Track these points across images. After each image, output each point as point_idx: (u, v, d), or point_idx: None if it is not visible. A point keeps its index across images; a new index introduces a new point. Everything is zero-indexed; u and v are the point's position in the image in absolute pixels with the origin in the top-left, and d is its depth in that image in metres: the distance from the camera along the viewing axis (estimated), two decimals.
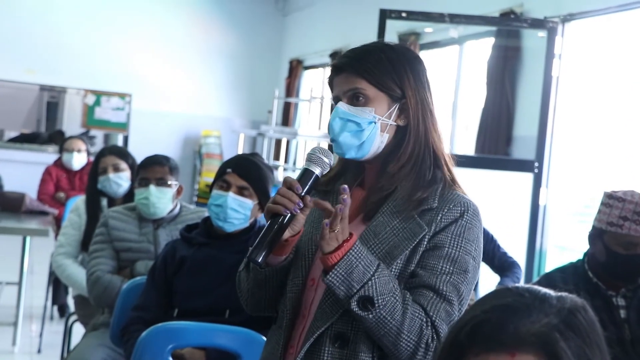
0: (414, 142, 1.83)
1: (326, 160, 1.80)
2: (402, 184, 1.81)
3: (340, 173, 1.92)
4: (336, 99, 1.86)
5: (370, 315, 1.67)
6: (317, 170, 1.79)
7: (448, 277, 1.73)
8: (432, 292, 1.72)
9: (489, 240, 4.22)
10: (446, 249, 1.75)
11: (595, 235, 3.02)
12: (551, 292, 1.05)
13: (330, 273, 1.69)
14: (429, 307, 1.70)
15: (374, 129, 1.82)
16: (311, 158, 1.80)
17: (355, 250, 1.69)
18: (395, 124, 1.84)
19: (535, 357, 0.98)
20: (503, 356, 0.98)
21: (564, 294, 1.05)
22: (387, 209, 1.80)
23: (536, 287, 1.06)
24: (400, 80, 1.83)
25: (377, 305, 1.67)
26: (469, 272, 1.75)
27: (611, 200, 2.98)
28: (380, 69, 1.81)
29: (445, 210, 1.77)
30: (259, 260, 1.74)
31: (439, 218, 1.76)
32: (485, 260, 4.19)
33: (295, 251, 1.88)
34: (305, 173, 1.79)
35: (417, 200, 1.78)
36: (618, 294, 3.00)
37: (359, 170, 1.92)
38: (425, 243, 1.76)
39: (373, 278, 1.68)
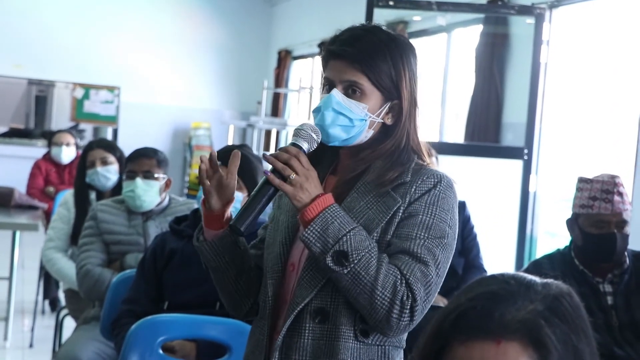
0: (397, 140, 1.85)
1: (315, 137, 1.81)
2: (374, 164, 1.83)
3: (315, 159, 1.89)
4: (328, 81, 1.85)
5: (345, 271, 1.69)
6: (305, 146, 1.79)
7: (422, 242, 1.74)
8: (407, 255, 1.73)
9: (472, 237, 4.21)
10: (420, 216, 1.76)
11: (572, 220, 3.06)
12: (536, 279, 1.04)
13: (306, 230, 1.71)
14: (403, 266, 1.71)
15: (363, 126, 1.83)
16: (300, 133, 1.80)
17: (332, 210, 1.72)
18: (382, 121, 1.85)
19: (521, 344, 0.98)
20: (488, 344, 0.98)
21: (549, 280, 1.05)
22: (360, 187, 1.82)
23: (521, 274, 1.06)
24: (399, 81, 1.83)
25: (351, 259, 1.68)
26: (445, 238, 1.76)
27: (581, 183, 3.03)
28: (381, 67, 1.81)
29: (419, 182, 1.79)
30: (242, 229, 1.75)
31: (412, 190, 1.78)
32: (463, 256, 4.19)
33: (272, 242, 1.90)
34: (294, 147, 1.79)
35: (391, 179, 1.79)
36: (605, 280, 3.01)
37: (333, 156, 1.93)
38: (400, 214, 1.77)
39: (348, 234, 1.70)
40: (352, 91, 1.81)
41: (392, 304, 1.68)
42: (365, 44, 1.81)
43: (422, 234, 1.74)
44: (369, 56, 1.80)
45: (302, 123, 1.84)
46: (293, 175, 1.73)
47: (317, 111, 1.83)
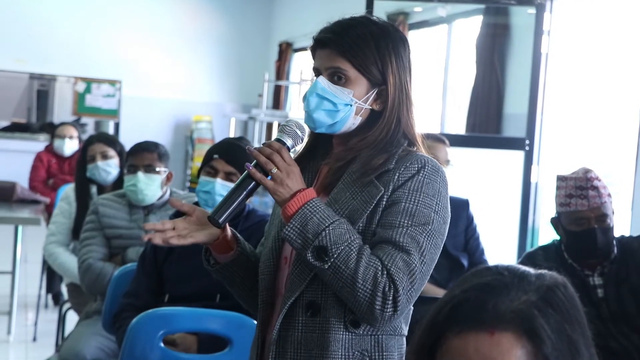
0: (384, 127, 1.84)
1: (299, 134, 1.83)
2: (361, 153, 1.83)
3: (310, 150, 1.92)
4: (316, 71, 1.86)
5: (326, 266, 1.69)
6: (289, 142, 1.81)
7: (405, 230, 1.72)
8: (389, 244, 1.72)
9: (475, 237, 4.21)
10: (403, 204, 1.75)
11: (556, 220, 3.05)
12: (530, 270, 1.05)
13: (286, 227, 1.72)
14: (384, 257, 1.70)
15: (349, 111, 1.83)
16: (285, 130, 1.82)
17: (311, 205, 1.73)
18: (370, 107, 1.85)
19: (514, 334, 0.98)
20: (482, 334, 0.98)
21: (543, 271, 1.05)
22: (347, 177, 1.82)
23: (515, 265, 1.06)
24: (384, 66, 1.83)
25: (330, 254, 1.69)
26: (430, 224, 1.74)
27: (558, 181, 3.03)
28: (365, 53, 1.81)
29: (402, 169, 1.78)
30: (220, 221, 1.76)
31: (396, 177, 1.78)
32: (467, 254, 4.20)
33: (266, 236, 1.93)
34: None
35: (375, 166, 1.79)
36: (594, 273, 3.00)
37: (328, 147, 1.93)
38: (384, 202, 1.77)
39: (327, 229, 1.70)
40: (337, 78, 1.82)
41: (374, 296, 1.68)
42: (349, 32, 1.83)
43: (405, 221, 1.73)
44: (352, 42, 1.81)
45: (287, 119, 1.86)
46: (274, 170, 1.74)
47: (304, 98, 1.85)
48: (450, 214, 1.83)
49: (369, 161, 1.80)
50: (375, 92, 1.84)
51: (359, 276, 1.68)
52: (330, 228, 1.70)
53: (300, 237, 1.71)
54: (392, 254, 1.70)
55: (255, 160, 1.76)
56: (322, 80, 1.83)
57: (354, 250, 1.70)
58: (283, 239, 1.77)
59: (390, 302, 1.69)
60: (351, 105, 1.82)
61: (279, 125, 9.00)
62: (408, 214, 1.74)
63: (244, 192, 1.77)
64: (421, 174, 1.78)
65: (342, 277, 1.69)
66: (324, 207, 1.74)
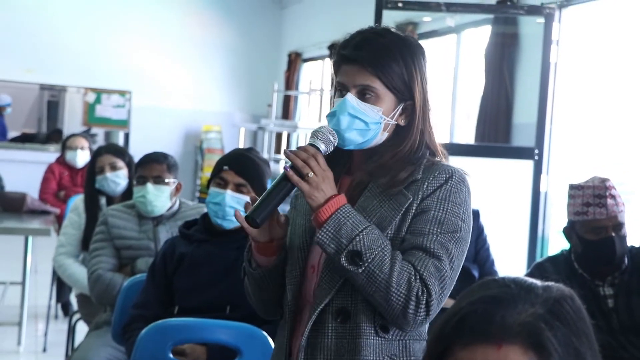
0: (411, 140, 1.86)
1: (332, 139, 1.83)
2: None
3: (329, 159, 1.91)
4: (343, 87, 1.86)
5: (360, 270, 1.72)
6: (322, 147, 1.82)
7: (435, 237, 1.76)
8: (420, 250, 1.75)
9: (486, 247, 4.20)
10: (432, 212, 1.79)
11: (569, 228, 3.04)
12: (537, 282, 1.05)
13: (319, 231, 1.75)
14: (417, 262, 1.74)
15: (378, 129, 1.85)
16: (318, 135, 1.83)
17: (344, 210, 1.75)
18: (396, 122, 1.87)
19: (522, 347, 0.98)
20: (490, 347, 0.98)
21: (550, 283, 1.05)
22: (373, 188, 1.85)
23: (522, 277, 1.06)
24: (412, 83, 1.85)
25: (365, 259, 1.71)
26: (458, 232, 1.79)
27: (572, 190, 3.02)
28: (394, 69, 1.83)
29: (431, 178, 1.82)
30: (258, 221, 1.77)
31: (424, 186, 1.81)
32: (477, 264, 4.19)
33: (290, 245, 1.92)
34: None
35: (402, 179, 1.82)
36: (605, 283, 3.00)
37: (347, 157, 1.94)
38: (413, 210, 1.80)
39: (361, 234, 1.73)
40: (365, 95, 1.84)
41: (408, 300, 1.71)
42: (377, 48, 1.84)
43: (435, 229, 1.77)
44: (381, 59, 1.83)
45: (320, 125, 1.86)
46: (311, 174, 1.76)
47: (332, 116, 1.85)
48: (472, 221, 1.87)
49: (395, 174, 1.82)
50: (401, 108, 1.86)
51: (393, 280, 1.71)
52: (364, 233, 1.73)
53: (334, 241, 1.73)
54: (424, 259, 1.74)
55: (291, 163, 1.78)
56: (352, 99, 1.83)
57: (387, 255, 1.73)
58: (316, 244, 1.78)
59: (423, 307, 1.72)
60: (381, 123, 1.84)
61: (288, 135, 9.01)
62: (437, 222, 1.78)
63: (281, 193, 1.78)
64: (449, 184, 1.81)
65: (375, 281, 1.72)
66: (356, 213, 1.77)
